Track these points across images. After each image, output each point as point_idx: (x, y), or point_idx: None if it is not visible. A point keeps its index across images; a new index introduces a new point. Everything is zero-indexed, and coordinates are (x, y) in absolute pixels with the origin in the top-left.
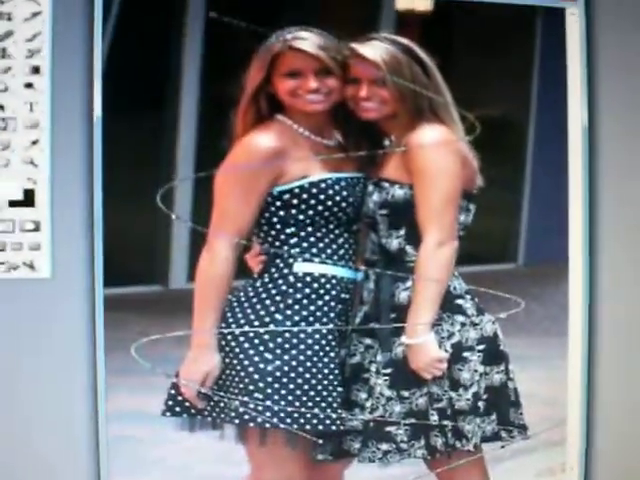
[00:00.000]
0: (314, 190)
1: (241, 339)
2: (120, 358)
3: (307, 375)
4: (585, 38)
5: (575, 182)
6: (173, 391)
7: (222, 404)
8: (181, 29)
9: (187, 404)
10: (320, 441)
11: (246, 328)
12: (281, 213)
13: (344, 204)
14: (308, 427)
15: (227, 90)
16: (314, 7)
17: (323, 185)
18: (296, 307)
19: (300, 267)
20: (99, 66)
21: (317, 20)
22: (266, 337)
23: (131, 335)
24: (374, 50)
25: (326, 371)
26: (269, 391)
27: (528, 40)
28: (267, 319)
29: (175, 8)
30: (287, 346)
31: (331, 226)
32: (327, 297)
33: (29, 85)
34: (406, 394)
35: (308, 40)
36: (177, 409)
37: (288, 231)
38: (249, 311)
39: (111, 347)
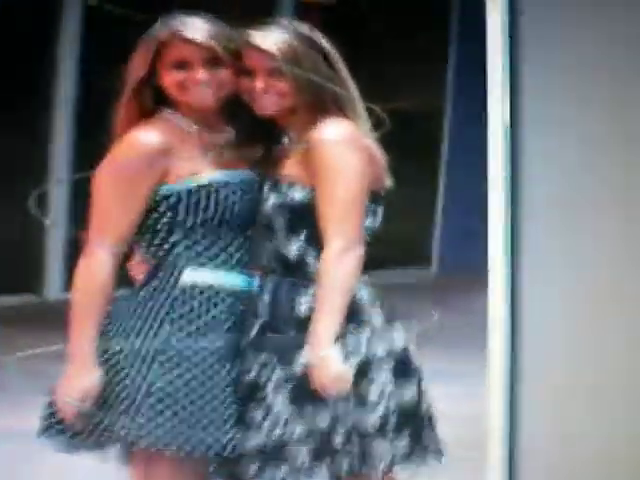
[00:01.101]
0: (203, 192)
1: (123, 354)
2: None
3: (196, 394)
4: (507, 18)
5: (494, 183)
6: (49, 410)
7: (103, 424)
8: (58, 16)
9: (65, 424)
10: (211, 467)
11: (129, 342)
12: (167, 217)
13: (237, 207)
14: (198, 451)
15: (108, 82)
16: None
17: (213, 186)
18: (183, 320)
19: (188, 276)
20: None
21: (207, 5)
22: (151, 352)
23: (2, 349)
24: (270, 38)
25: (216, 391)
26: (154, 411)
27: (443, 22)
28: (152, 333)
29: None
30: (175, 362)
31: (222, 231)
32: (218, 309)
33: None
34: (307, 413)
35: (197, 27)
36: (54, 430)
37: (174, 237)
38: (132, 323)
39: None
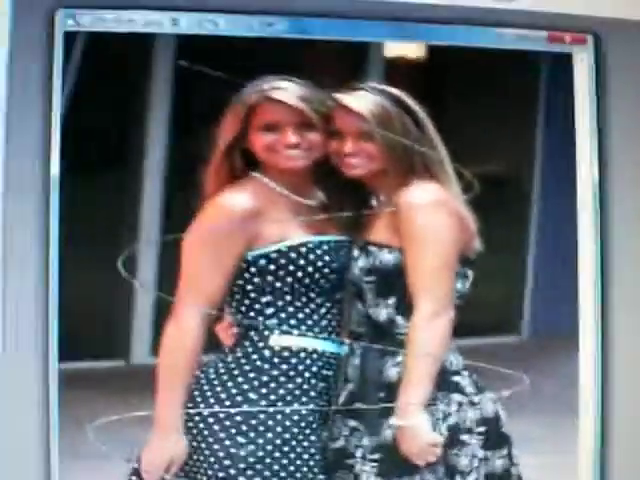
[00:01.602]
0: (293, 255)
1: (210, 420)
2: (76, 440)
3: (284, 461)
4: (594, 86)
5: (585, 244)
6: (134, 478)
7: None
8: (147, 79)
9: None
10: None
11: (216, 408)
12: (256, 280)
13: (326, 270)
14: None
15: (197, 145)
16: (295, 54)
17: (303, 249)
18: (272, 385)
19: (277, 340)
20: (57, 120)
21: (298, 69)
22: (239, 418)
23: (88, 414)
24: (360, 101)
25: (306, 456)
26: (242, 479)
27: (532, 89)
28: (240, 398)
29: (141, 56)
30: (262, 428)
31: (312, 295)
32: (307, 374)
33: None
34: None
35: (287, 90)
36: None
37: (264, 300)
38: (219, 389)
39: (66, 427)
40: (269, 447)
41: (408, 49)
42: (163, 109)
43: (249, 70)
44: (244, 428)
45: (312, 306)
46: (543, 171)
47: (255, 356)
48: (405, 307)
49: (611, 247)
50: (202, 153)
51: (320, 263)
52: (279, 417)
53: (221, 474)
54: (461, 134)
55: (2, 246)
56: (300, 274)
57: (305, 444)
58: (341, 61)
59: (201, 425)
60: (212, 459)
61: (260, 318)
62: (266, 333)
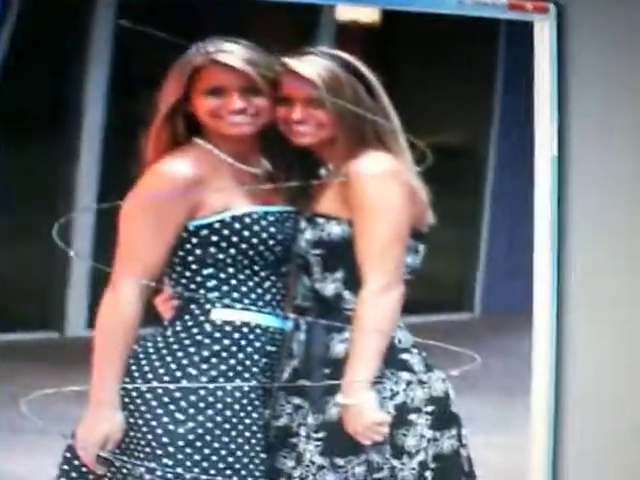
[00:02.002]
0: (237, 225)
1: (148, 396)
2: (9, 414)
3: (225, 439)
4: (556, 55)
5: (541, 219)
6: (69, 454)
7: (125, 470)
8: (86, 39)
9: (84, 469)
10: None
11: (154, 383)
12: (198, 251)
13: (272, 242)
14: None
15: (137, 109)
16: (242, 16)
17: (248, 220)
18: (213, 360)
19: (219, 314)
20: None
21: (245, 31)
22: (178, 394)
23: (22, 389)
24: (310, 66)
25: (247, 434)
26: (180, 457)
27: (489, 57)
28: (179, 373)
29: (80, 15)
30: (202, 405)
31: (256, 267)
32: (250, 349)
33: None
34: (341, 462)
35: (234, 53)
36: (73, 475)
37: (206, 272)
38: (158, 364)
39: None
40: (209, 424)
41: (361, 13)
42: (102, 70)
43: (194, 31)
44: (183, 404)
45: (256, 279)
46: (499, 142)
47: (196, 330)
48: (353, 281)
49: (568, 222)
50: (143, 117)
51: (265, 235)
52: (220, 393)
53: (159, 451)
54: (415, 103)
55: None
56: (244, 246)
57: (247, 422)
58: (291, 24)
59: (138, 401)
60: (150, 436)
61: (201, 291)
62: (207, 306)
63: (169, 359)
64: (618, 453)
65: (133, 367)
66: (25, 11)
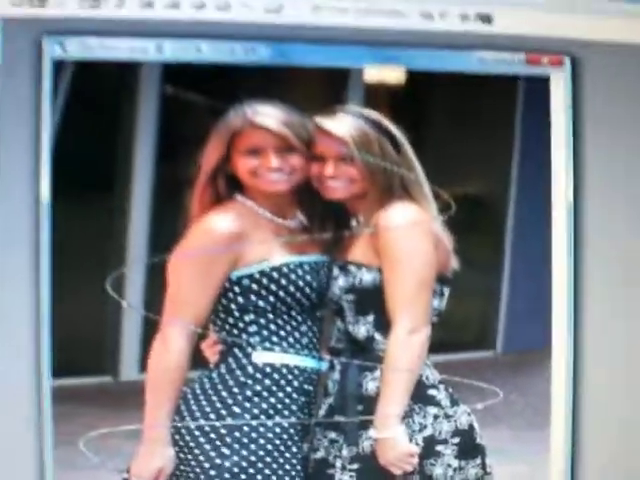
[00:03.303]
0: (275, 275)
1: (196, 433)
2: (68, 452)
3: (267, 471)
4: (571, 109)
5: (559, 264)
6: None
7: None
8: (134, 105)
9: None
10: None
11: (202, 421)
12: (240, 299)
13: (307, 289)
14: None
15: (182, 169)
16: (276, 81)
17: (285, 269)
18: (255, 399)
19: (260, 357)
20: (46, 146)
21: (280, 94)
22: (223, 431)
23: (80, 428)
24: (341, 125)
25: (287, 467)
26: None
27: (508, 111)
28: (224, 412)
29: (128, 83)
30: (246, 440)
31: (293, 313)
32: (289, 388)
33: None
34: None
35: (270, 115)
36: None
37: (247, 318)
38: (205, 403)
39: (59, 441)
40: (252, 458)
41: (388, 74)
42: (149, 134)
43: (233, 95)
44: (228, 440)
45: (293, 324)
46: (518, 191)
47: (239, 372)
48: (383, 324)
49: (584, 267)
50: (188, 176)
51: (301, 282)
52: (262, 430)
53: None
54: (439, 156)
55: None
56: (282, 293)
57: (287, 455)
58: (322, 86)
59: (187, 437)
60: (198, 469)
61: (243, 336)
62: (249, 350)
63: (215, 399)
64: None
65: (182, 407)
66: (77, 77)
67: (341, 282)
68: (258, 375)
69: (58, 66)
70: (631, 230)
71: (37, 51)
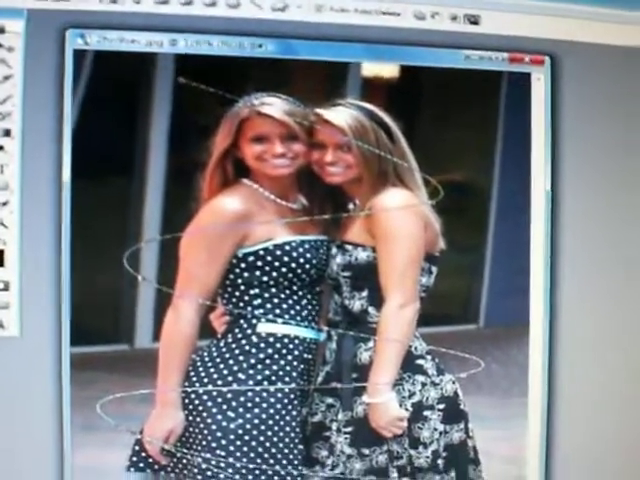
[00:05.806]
0: (278, 252)
1: (204, 397)
2: (86, 415)
3: (269, 433)
4: (550, 104)
5: (537, 246)
6: (137, 447)
7: (185, 460)
8: (150, 94)
9: (151, 460)
10: None
11: (209, 387)
12: (245, 275)
13: (308, 266)
14: None
15: (194, 154)
16: (281, 74)
17: (287, 247)
18: (259, 367)
19: (263, 328)
20: (68, 131)
21: (284, 87)
22: (229, 396)
23: (97, 393)
24: (340, 115)
25: (287, 429)
26: (231, 448)
27: (491, 105)
28: (230, 378)
29: (144, 73)
30: (249, 405)
31: (295, 287)
32: (290, 357)
33: (0, 147)
34: (366, 452)
35: (275, 106)
36: (141, 465)
37: (252, 292)
38: (212, 370)
39: (77, 404)
40: (256, 421)
41: (383, 69)
42: (163, 121)
43: (241, 87)
44: (234, 404)
45: (294, 297)
46: (501, 179)
47: (244, 341)
48: (377, 299)
49: (560, 249)
50: (199, 162)
51: (302, 260)
52: (265, 395)
53: (213, 444)
54: (429, 146)
55: (19, 245)
56: (284, 269)
57: (287, 418)
58: (323, 80)
59: (196, 402)
60: (206, 431)
61: (249, 308)
62: (254, 321)
63: (222, 366)
64: (604, 446)
65: (192, 373)
66: (97, 68)
67: (338, 260)
68: (262, 344)
69: (79, 56)
70: (603, 216)
71: (60, 42)
